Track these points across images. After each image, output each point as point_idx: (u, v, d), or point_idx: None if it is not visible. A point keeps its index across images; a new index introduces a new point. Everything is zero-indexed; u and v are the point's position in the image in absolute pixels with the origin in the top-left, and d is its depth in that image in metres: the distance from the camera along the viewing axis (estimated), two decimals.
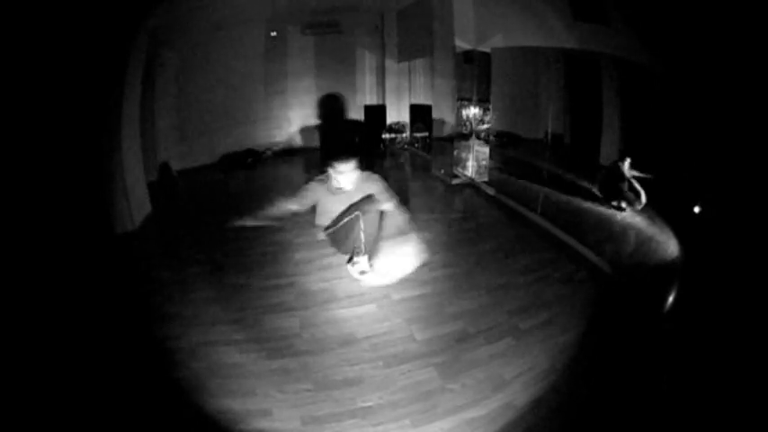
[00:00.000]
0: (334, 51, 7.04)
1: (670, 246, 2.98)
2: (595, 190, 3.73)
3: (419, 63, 6.71)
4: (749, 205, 2.07)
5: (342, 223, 2.70)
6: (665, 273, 2.84)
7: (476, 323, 2.45)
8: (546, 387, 1.98)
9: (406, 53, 6.96)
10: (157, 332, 2.40)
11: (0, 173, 2.72)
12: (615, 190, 3.51)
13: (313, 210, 2.91)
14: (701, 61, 2.37)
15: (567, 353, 2.21)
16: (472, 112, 5.10)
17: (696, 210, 2.53)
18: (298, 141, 7.17)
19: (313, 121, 7.08)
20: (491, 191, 4.80)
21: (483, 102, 4.98)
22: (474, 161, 5.23)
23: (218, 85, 6.23)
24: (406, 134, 7.30)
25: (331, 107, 6.99)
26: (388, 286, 2.85)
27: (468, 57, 4.96)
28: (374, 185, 2.83)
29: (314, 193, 2.80)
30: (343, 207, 2.74)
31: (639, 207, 3.40)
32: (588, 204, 3.81)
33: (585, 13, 3.44)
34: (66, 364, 2.11)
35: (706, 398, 1.72)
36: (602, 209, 3.68)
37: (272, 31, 6.59)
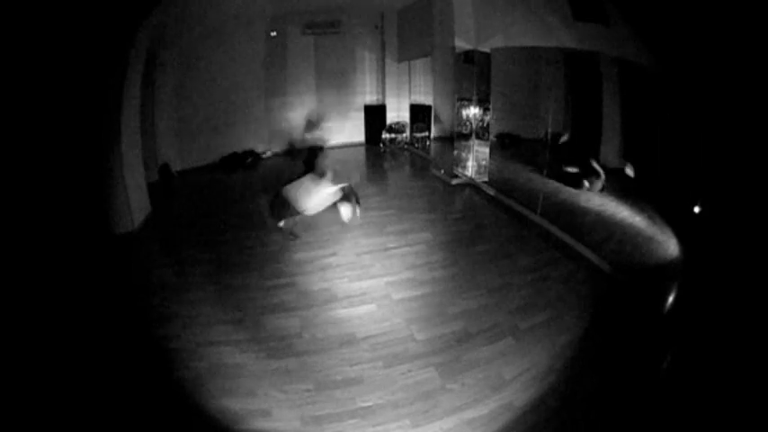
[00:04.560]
0: (335, 51, 7.04)
1: (670, 246, 2.97)
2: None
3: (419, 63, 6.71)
4: (749, 205, 2.07)
5: None
6: (665, 273, 2.84)
7: (476, 323, 2.46)
8: (546, 387, 1.98)
9: (406, 53, 6.96)
10: (157, 332, 2.40)
11: (0, 173, 2.72)
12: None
13: None
14: (700, 61, 2.37)
15: (567, 353, 2.21)
16: (472, 112, 5.10)
17: (696, 210, 2.53)
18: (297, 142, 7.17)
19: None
20: (491, 191, 4.80)
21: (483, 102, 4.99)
22: (474, 161, 5.23)
23: (218, 85, 6.22)
24: (406, 134, 7.30)
25: None
26: (388, 286, 2.85)
27: (468, 57, 4.96)
28: None
29: None
30: None
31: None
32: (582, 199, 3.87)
33: (585, 13, 3.44)
34: (67, 364, 2.11)
35: (706, 397, 1.72)
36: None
37: (272, 31, 6.58)
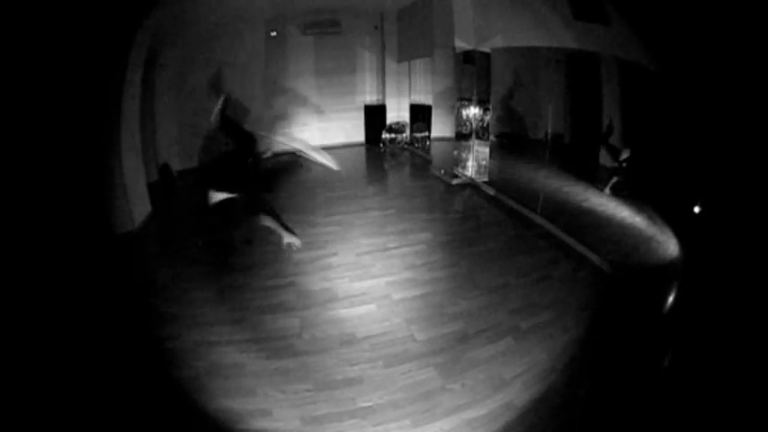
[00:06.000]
0: (335, 51, 7.04)
1: (670, 246, 2.98)
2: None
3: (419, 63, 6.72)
4: (749, 205, 2.07)
5: None
6: (665, 273, 2.84)
7: (476, 323, 2.46)
8: (546, 387, 1.98)
9: (406, 53, 6.96)
10: (157, 332, 2.40)
11: (1, 174, 2.72)
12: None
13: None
14: (700, 61, 2.37)
15: (567, 353, 2.21)
16: (472, 112, 5.10)
17: (696, 210, 2.53)
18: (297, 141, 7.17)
19: None
20: (491, 191, 4.80)
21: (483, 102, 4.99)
22: (474, 161, 5.23)
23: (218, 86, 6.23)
24: (406, 134, 7.30)
25: None
26: (388, 286, 2.85)
27: (468, 57, 4.96)
28: None
29: None
30: None
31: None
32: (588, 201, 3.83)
33: (585, 13, 3.44)
34: (67, 365, 2.11)
35: (706, 397, 1.72)
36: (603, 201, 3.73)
37: (272, 31, 6.58)
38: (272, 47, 6.66)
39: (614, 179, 3.65)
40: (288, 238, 3.30)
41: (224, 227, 3.37)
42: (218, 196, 3.04)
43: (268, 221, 3.26)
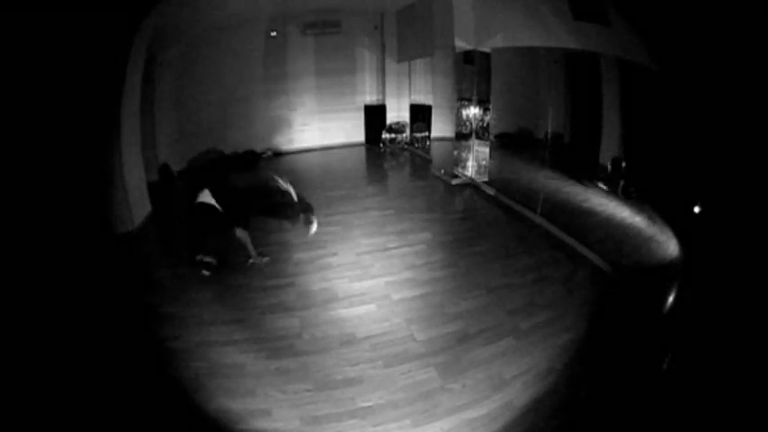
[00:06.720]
0: (335, 51, 7.04)
1: (670, 246, 2.98)
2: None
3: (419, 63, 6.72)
4: (749, 205, 2.07)
5: None
6: (665, 273, 2.84)
7: (476, 323, 2.46)
8: (546, 387, 1.99)
9: (406, 53, 6.96)
10: (157, 332, 2.40)
11: (0, 173, 2.72)
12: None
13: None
14: (700, 61, 2.37)
15: (567, 353, 2.21)
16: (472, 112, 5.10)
17: (696, 210, 2.53)
18: (297, 142, 7.17)
19: None
20: (491, 191, 4.80)
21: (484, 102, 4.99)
22: (474, 161, 5.23)
23: (218, 86, 6.23)
24: (406, 134, 7.30)
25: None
26: (387, 286, 2.85)
27: (468, 57, 4.96)
28: None
29: None
30: None
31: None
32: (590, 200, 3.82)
33: (585, 13, 3.44)
34: (67, 364, 2.11)
35: (706, 397, 1.72)
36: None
37: (272, 31, 6.58)
38: (272, 47, 6.65)
39: (622, 182, 3.65)
40: (255, 260, 3.20)
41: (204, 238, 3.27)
42: (204, 197, 3.03)
43: (244, 237, 3.16)
